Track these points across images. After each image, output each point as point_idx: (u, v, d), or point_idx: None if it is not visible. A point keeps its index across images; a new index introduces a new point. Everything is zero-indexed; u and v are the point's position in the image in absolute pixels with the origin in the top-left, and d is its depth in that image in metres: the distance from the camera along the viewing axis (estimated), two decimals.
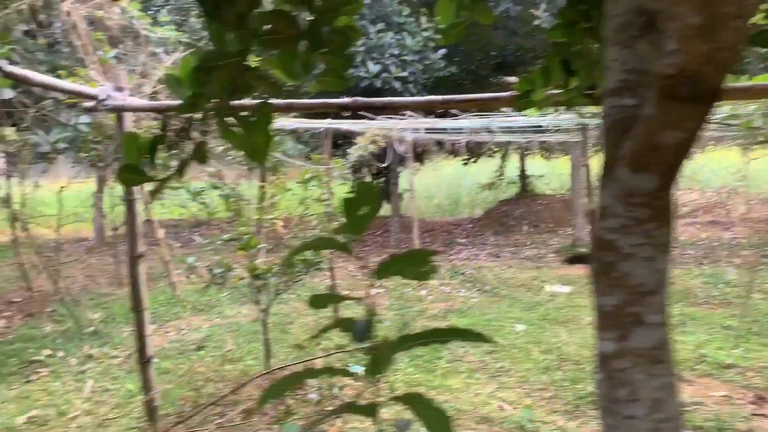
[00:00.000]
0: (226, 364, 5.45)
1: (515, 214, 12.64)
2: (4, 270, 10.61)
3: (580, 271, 8.72)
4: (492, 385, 4.78)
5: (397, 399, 0.86)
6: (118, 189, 9.11)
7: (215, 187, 5.14)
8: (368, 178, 4.76)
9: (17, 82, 2.64)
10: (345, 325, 0.94)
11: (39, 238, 10.34)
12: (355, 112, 3.22)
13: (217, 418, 4.25)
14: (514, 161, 14.79)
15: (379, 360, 0.91)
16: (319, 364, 5.32)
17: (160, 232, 7.78)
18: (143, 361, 3.81)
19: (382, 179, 11.49)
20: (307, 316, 6.90)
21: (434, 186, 16.70)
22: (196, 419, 4.22)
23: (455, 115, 7.59)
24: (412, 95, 9.68)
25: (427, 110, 7.56)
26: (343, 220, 0.93)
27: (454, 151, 10.28)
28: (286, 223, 4.92)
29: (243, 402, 4.46)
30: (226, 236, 4.98)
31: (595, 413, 3.39)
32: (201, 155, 1.59)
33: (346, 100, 3.03)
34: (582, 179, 9.90)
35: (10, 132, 6.82)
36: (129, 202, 3.71)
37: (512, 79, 2.43)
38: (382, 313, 7.13)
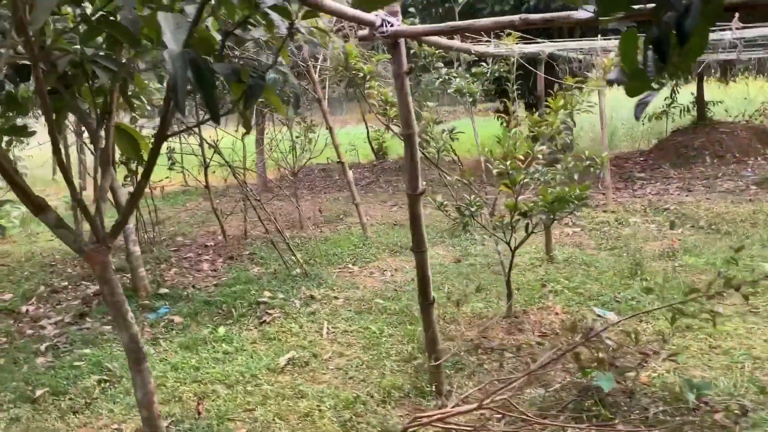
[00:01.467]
0: (449, 306, 5.22)
1: (694, 144, 11.55)
2: (182, 215, 11.06)
3: None
4: None
5: None
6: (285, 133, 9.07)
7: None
8: None
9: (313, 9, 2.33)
10: None
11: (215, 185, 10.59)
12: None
13: (494, 363, 4.02)
14: (686, 88, 13.50)
15: None
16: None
17: (350, 174, 7.64)
18: (427, 303, 3.59)
19: None
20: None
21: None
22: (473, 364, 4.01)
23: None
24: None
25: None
26: None
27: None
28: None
29: (525, 348, 4.20)
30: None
31: None
32: None
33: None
34: None
35: None
36: (408, 137, 3.42)
37: None
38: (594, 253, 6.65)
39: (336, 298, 5.80)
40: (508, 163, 3.85)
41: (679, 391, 3.19)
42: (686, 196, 9.05)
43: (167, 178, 8.66)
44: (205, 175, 8.02)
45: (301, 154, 8.74)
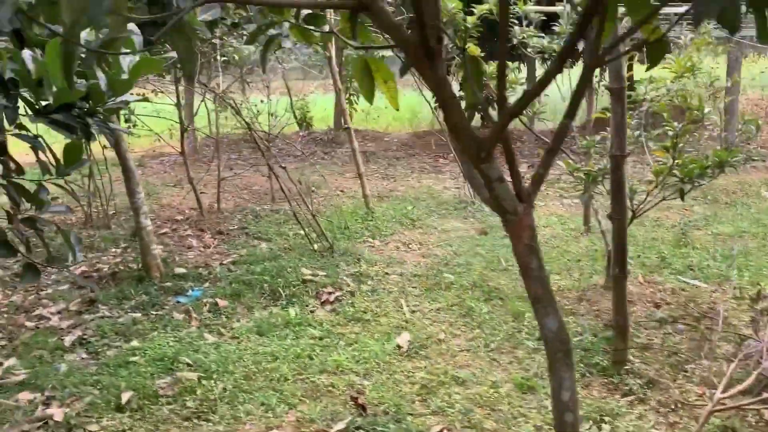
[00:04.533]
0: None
1: None
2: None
3: None
4: None
5: None
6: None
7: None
8: None
9: None
10: None
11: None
12: None
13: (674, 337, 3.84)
14: None
15: None
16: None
17: (356, 143, 7.10)
18: (622, 275, 3.32)
19: None
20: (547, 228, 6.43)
21: None
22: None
23: None
24: None
25: None
26: None
27: None
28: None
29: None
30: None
31: None
32: None
33: None
34: None
35: None
36: (618, 91, 3.11)
37: None
38: None
39: (387, 274, 5.34)
40: (680, 125, 3.64)
41: None
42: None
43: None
44: (182, 140, 7.08)
45: (282, 116, 8.02)
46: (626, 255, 3.28)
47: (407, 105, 14.82)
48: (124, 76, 2.09)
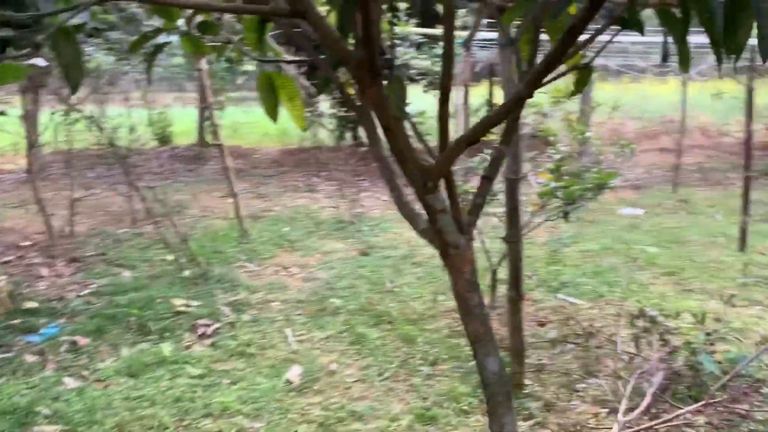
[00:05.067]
0: (412, 301, 4.94)
1: None
2: None
3: None
4: None
5: None
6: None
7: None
8: None
9: None
10: None
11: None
12: None
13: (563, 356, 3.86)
14: None
15: None
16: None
17: (229, 160, 6.72)
18: (518, 297, 3.31)
19: None
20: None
21: None
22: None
23: None
24: None
25: None
26: None
27: None
28: None
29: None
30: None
31: None
32: None
33: None
34: None
35: None
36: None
37: None
38: None
39: (269, 301, 5.05)
40: (565, 147, 3.73)
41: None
42: None
43: None
44: (28, 156, 6.33)
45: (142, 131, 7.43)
46: (521, 277, 3.29)
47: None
48: None
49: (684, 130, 10.23)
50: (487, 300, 4.81)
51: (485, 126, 1.27)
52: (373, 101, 1.28)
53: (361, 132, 13.55)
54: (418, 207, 1.62)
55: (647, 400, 2.68)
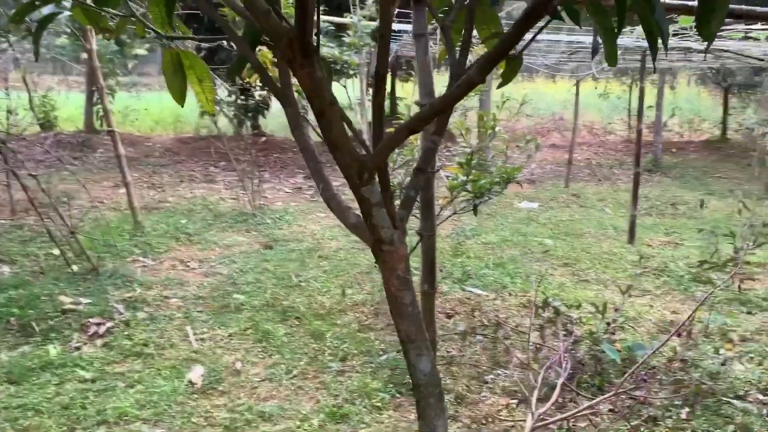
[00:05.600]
0: (320, 295, 4.84)
1: None
2: None
3: None
4: None
5: None
6: None
7: None
8: None
9: None
10: None
11: None
12: None
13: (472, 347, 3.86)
14: None
15: None
16: None
17: (121, 148, 6.29)
18: (431, 292, 3.27)
19: None
20: None
21: None
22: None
23: None
24: None
25: None
26: None
27: None
28: None
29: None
30: None
31: None
32: None
33: None
34: None
35: None
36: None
37: None
38: None
39: (166, 298, 4.77)
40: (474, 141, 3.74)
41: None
42: None
43: None
44: None
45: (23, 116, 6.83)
46: (435, 270, 3.26)
47: (170, 107, 13.85)
48: None
49: (576, 128, 10.71)
50: None
51: (428, 114, 1.20)
52: (306, 84, 1.17)
53: (262, 121, 13.19)
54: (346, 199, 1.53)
55: (557, 390, 2.73)
